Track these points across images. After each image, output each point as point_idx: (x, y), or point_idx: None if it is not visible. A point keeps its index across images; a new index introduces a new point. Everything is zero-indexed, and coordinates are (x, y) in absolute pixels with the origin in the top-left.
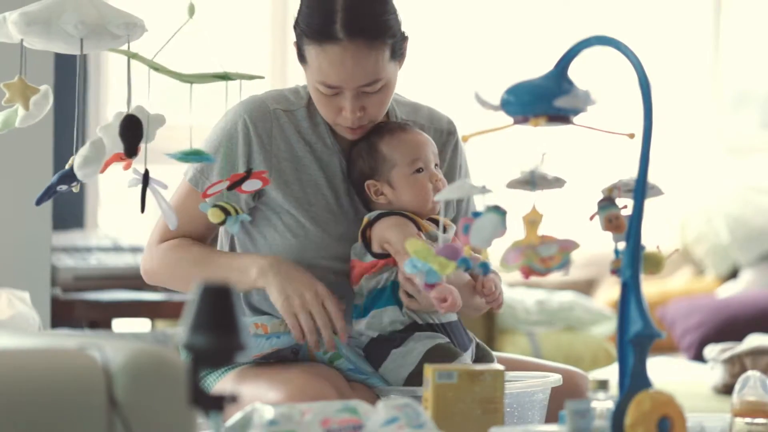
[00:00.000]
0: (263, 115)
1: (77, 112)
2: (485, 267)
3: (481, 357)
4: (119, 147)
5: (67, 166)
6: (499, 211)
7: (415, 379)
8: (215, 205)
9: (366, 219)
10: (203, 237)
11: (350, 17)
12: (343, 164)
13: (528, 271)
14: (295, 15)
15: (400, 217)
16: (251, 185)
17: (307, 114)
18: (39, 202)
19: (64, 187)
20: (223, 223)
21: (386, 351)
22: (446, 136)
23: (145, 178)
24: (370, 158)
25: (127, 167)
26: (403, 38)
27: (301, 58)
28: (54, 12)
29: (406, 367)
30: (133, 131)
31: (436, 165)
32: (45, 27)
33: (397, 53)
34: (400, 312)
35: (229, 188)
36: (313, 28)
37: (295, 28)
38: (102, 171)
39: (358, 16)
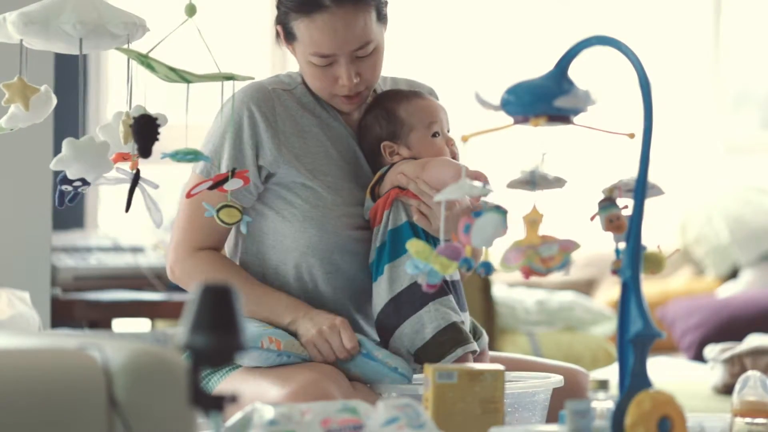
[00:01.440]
0: (264, 96)
1: (80, 112)
2: (487, 267)
3: (472, 330)
4: (119, 147)
5: None
6: (500, 211)
7: (424, 350)
8: (226, 206)
9: (378, 174)
10: (225, 229)
11: None
12: (350, 133)
13: (528, 271)
14: None
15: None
16: (233, 184)
17: (306, 90)
18: (60, 204)
19: (68, 188)
20: (237, 222)
21: (409, 312)
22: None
23: (136, 178)
24: (388, 123)
25: (133, 167)
26: (386, 1)
27: (290, 36)
28: (52, 12)
29: (421, 336)
30: (147, 131)
31: (448, 130)
32: (44, 27)
33: (382, 15)
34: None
35: (211, 188)
36: (299, 1)
37: (278, 7)
38: None
39: None
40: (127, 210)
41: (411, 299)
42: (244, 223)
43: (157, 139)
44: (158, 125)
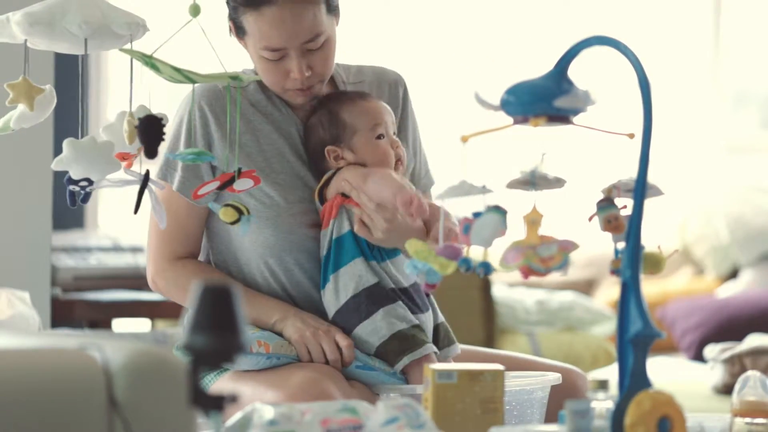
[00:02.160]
0: (215, 95)
1: (80, 112)
2: (486, 267)
3: (442, 337)
4: (122, 146)
5: None
6: (499, 211)
7: (379, 356)
8: (227, 205)
9: (324, 177)
10: (199, 233)
11: None
12: (301, 131)
13: (527, 271)
14: None
15: (379, 171)
16: (243, 184)
17: (260, 87)
18: (72, 203)
19: (76, 188)
20: (236, 222)
21: (353, 323)
22: (395, 88)
23: (145, 179)
24: (331, 126)
25: (128, 166)
26: None
27: (240, 31)
28: (57, 12)
29: (369, 346)
30: (153, 131)
31: (394, 132)
32: (49, 27)
33: (332, 7)
34: (364, 266)
35: (220, 188)
36: None
37: (228, 2)
38: None
39: None
40: (136, 211)
41: (356, 308)
42: (246, 223)
43: (162, 140)
44: (163, 125)
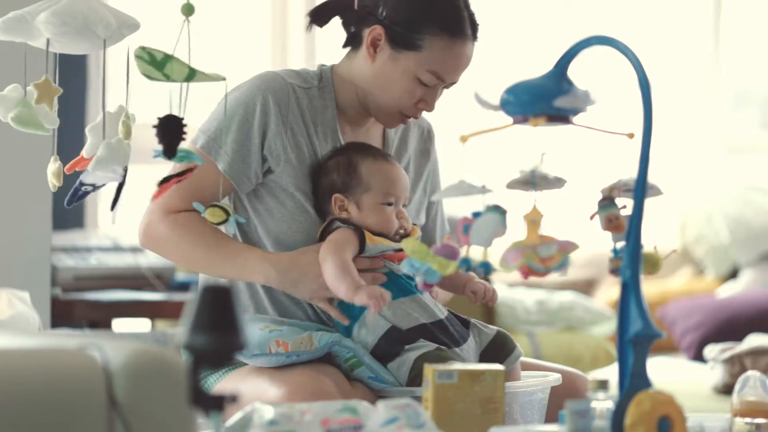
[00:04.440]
0: (281, 87)
1: (103, 111)
2: (486, 267)
3: (500, 344)
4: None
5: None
6: (499, 211)
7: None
8: (213, 206)
9: (327, 222)
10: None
11: (472, 16)
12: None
13: (527, 271)
14: None
15: (341, 259)
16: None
17: (320, 93)
18: (69, 203)
19: (89, 188)
20: (222, 222)
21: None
22: (427, 134)
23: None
24: (346, 175)
25: (82, 167)
26: None
27: (407, 44)
28: (89, 14)
29: (401, 380)
30: (172, 130)
31: (405, 205)
32: (81, 28)
33: None
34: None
35: (179, 180)
36: (449, 21)
37: (399, 10)
38: (69, 171)
39: (474, 16)
40: (113, 208)
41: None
42: (231, 224)
43: (183, 139)
44: (184, 125)
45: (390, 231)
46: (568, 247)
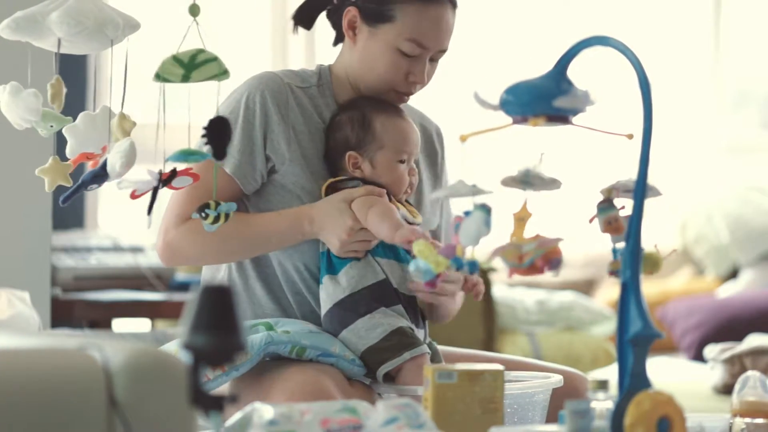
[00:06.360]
0: (279, 87)
1: (122, 108)
2: (473, 265)
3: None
4: (84, 147)
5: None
6: (484, 209)
7: (369, 354)
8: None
9: (338, 178)
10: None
11: None
12: None
13: (512, 269)
14: None
15: (384, 205)
16: (181, 182)
17: (319, 92)
18: (65, 200)
19: (95, 186)
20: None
21: (351, 319)
22: (436, 136)
23: (161, 180)
24: (360, 130)
25: (93, 165)
26: None
27: (381, 17)
28: (102, 16)
29: (364, 341)
30: (221, 133)
31: (416, 161)
32: (95, 29)
33: None
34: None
35: (163, 185)
36: None
37: None
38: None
39: None
40: (149, 212)
41: (355, 305)
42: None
43: (230, 140)
44: (230, 127)
45: (401, 189)
46: (547, 243)
